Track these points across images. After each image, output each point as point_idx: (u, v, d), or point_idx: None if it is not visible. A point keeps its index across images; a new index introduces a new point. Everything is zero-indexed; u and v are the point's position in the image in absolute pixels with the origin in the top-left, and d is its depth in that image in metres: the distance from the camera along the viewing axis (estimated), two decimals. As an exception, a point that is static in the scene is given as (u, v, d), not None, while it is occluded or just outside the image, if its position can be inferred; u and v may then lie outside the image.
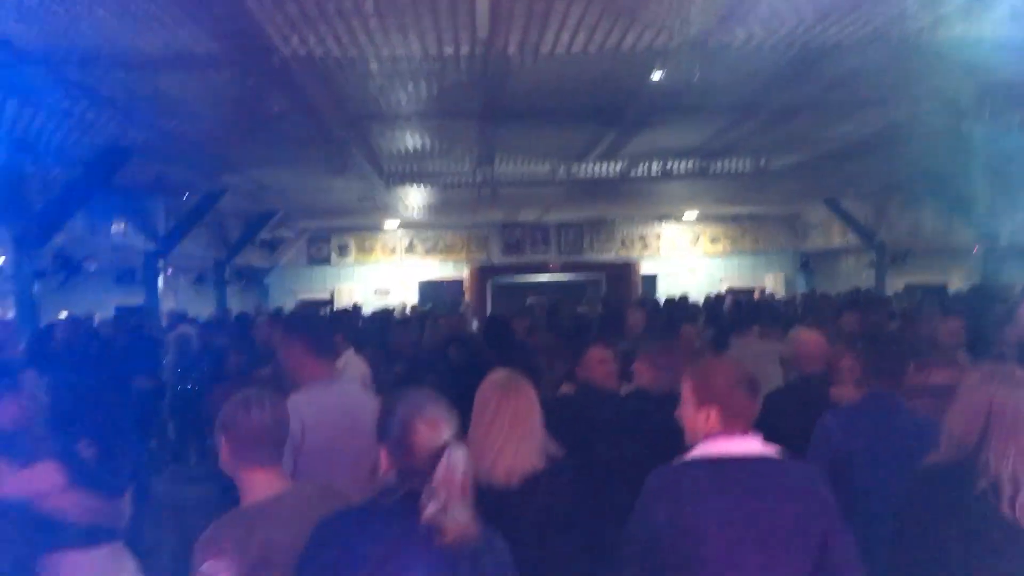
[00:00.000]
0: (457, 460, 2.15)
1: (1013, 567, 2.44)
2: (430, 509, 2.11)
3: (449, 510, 2.12)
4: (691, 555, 2.42)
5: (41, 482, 3.66)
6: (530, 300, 14.28)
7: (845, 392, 4.39)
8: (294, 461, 3.39)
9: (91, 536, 3.73)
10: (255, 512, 2.58)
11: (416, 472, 2.17)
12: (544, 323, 9.41)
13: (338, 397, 3.69)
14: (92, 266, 10.98)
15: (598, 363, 4.65)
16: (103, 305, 15.38)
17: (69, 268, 9.77)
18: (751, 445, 2.57)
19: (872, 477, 3.29)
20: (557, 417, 4.65)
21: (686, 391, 2.69)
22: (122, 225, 11.71)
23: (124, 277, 13.12)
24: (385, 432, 2.25)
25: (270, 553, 2.46)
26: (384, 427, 2.26)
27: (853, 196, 15.14)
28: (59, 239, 9.62)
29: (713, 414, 2.59)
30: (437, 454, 2.16)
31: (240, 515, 2.59)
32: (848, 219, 15.94)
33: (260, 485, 2.62)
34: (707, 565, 2.41)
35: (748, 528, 2.43)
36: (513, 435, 3.10)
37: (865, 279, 15.97)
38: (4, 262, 9.57)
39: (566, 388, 5.00)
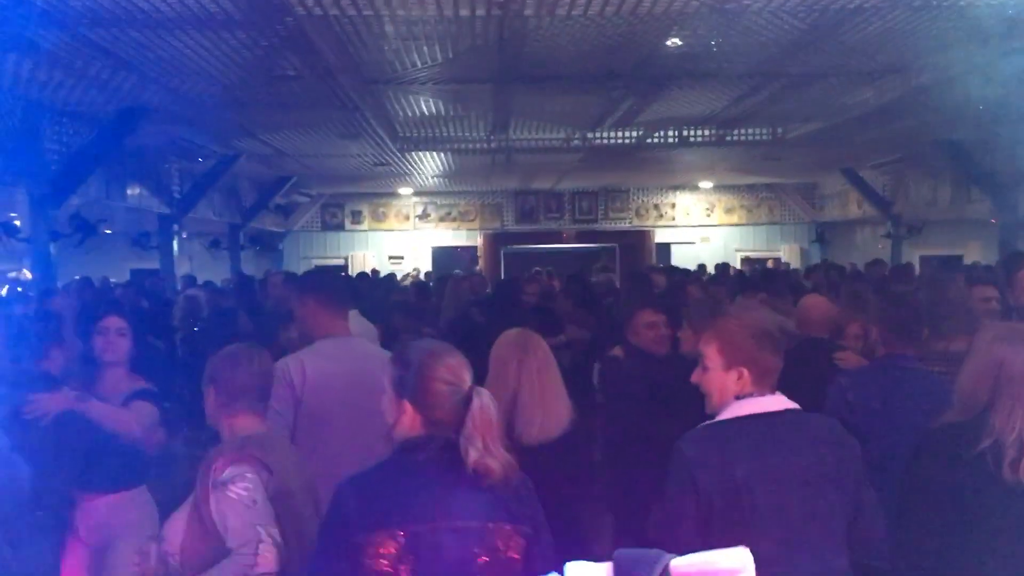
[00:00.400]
0: (487, 403, 2.18)
1: (1008, 529, 2.43)
2: (473, 454, 2.12)
3: (492, 451, 2.14)
4: (744, 514, 2.41)
5: (140, 421, 3.87)
6: (536, 269, 14.31)
7: (849, 358, 4.39)
8: (294, 413, 3.41)
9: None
10: (256, 439, 2.69)
11: (444, 421, 2.18)
12: (563, 290, 9.44)
13: (345, 352, 3.68)
14: (107, 229, 11.04)
15: (646, 327, 4.62)
16: (118, 269, 15.53)
17: (85, 230, 9.81)
18: (779, 401, 2.57)
19: (886, 437, 3.30)
20: (607, 380, 4.72)
21: (711, 353, 2.62)
22: (137, 189, 11.73)
23: (139, 240, 13.19)
24: (404, 386, 2.24)
25: (284, 472, 2.54)
26: (402, 382, 2.25)
27: (870, 166, 15.00)
28: (75, 201, 9.67)
29: (745, 374, 2.56)
30: (464, 401, 2.18)
31: (243, 440, 2.69)
32: (865, 189, 15.80)
33: (243, 427, 2.76)
34: (761, 522, 2.40)
35: (794, 480, 2.45)
36: (544, 391, 3.13)
37: (881, 250, 15.87)
38: (21, 224, 9.63)
39: (617, 351, 4.98)
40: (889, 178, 15.34)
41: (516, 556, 2.16)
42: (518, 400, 3.14)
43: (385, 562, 2.10)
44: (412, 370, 2.24)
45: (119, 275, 14.92)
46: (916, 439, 2.72)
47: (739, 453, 2.45)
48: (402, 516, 2.12)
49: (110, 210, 11.35)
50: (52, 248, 9.08)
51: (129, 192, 11.45)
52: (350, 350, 3.71)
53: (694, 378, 2.68)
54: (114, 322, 4.27)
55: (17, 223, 9.72)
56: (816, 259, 17.97)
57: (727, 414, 2.56)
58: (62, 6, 5.43)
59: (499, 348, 3.26)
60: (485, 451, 2.13)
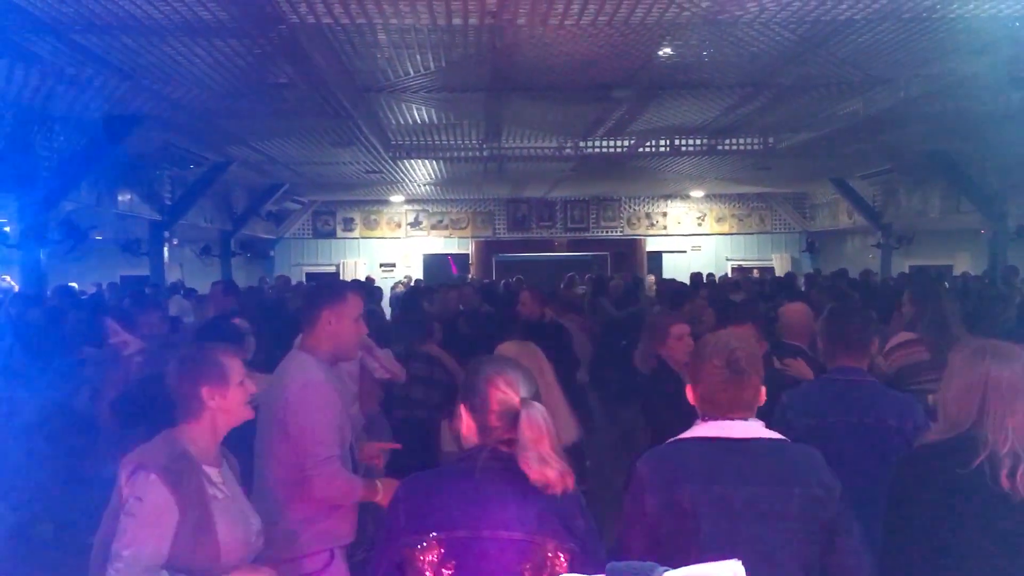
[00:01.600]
0: (535, 415, 2.18)
1: (1011, 541, 2.44)
2: (531, 465, 2.13)
3: (549, 461, 2.14)
4: (688, 540, 2.36)
5: None
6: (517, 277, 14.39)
7: (795, 365, 4.39)
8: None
9: None
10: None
11: (496, 431, 2.21)
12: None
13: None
14: (98, 235, 11.00)
15: (676, 339, 4.58)
16: (109, 275, 15.47)
17: (75, 237, 9.77)
18: (748, 428, 2.46)
19: (833, 455, 3.24)
20: (639, 393, 4.68)
21: (691, 357, 2.63)
22: (128, 195, 11.70)
23: (129, 247, 13.14)
24: (464, 393, 2.29)
25: None
26: (464, 389, 2.31)
27: (860, 176, 15.07)
28: (65, 207, 9.63)
29: (698, 394, 2.51)
30: (513, 413, 2.19)
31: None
32: (855, 199, 15.88)
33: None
34: (706, 551, 2.31)
35: (745, 513, 2.35)
36: (554, 404, 3.14)
37: (871, 260, 15.94)
38: (10, 230, 9.59)
39: (641, 363, 4.95)
40: (879, 188, 15.42)
41: (560, 571, 2.14)
42: None
43: (427, 566, 2.14)
44: (471, 378, 2.29)
45: (109, 281, 14.87)
46: (901, 463, 2.70)
47: (685, 476, 2.38)
48: (447, 522, 2.14)
49: (101, 217, 11.31)
50: (42, 255, 9.04)
51: (120, 198, 11.42)
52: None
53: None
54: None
55: (7, 229, 9.69)
56: (807, 268, 18.03)
57: (688, 433, 2.50)
58: (55, 12, 5.42)
59: None
60: (541, 462, 2.13)
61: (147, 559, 2.40)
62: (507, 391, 2.22)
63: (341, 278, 17.88)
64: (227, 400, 2.65)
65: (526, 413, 2.18)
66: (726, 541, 2.31)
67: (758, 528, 2.35)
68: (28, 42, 6.09)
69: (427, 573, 2.14)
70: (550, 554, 2.13)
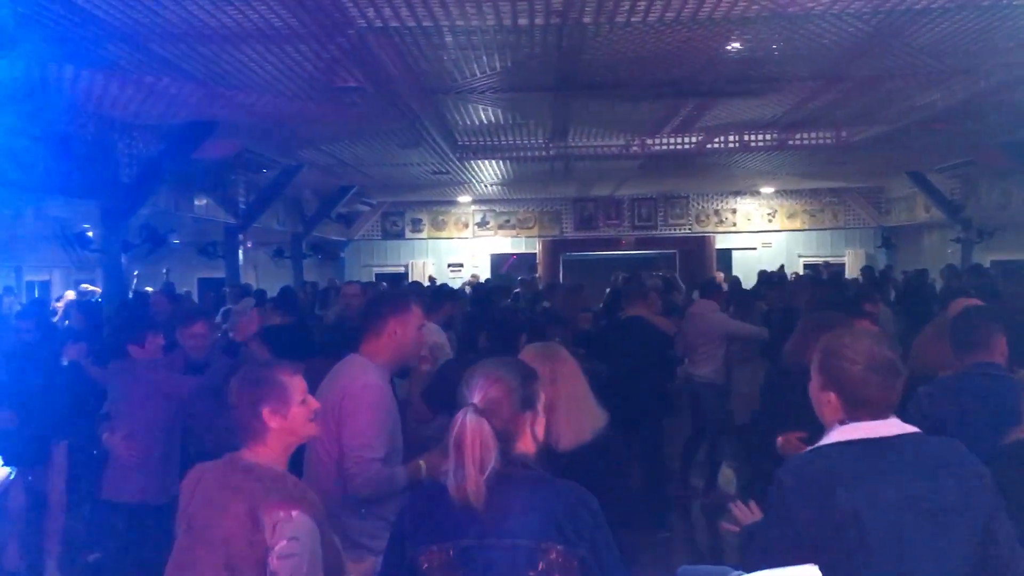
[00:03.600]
0: (462, 423, 2.15)
1: None
2: (450, 476, 2.14)
3: (457, 471, 2.12)
4: (851, 547, 2.21)
5: None
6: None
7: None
8: None
9: None
10: None
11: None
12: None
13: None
14: (176, 239, 11.32)
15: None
16: (186, 278, 15.90)
17: (154, 241, 10.08)
18: (892, 426, 2.33)
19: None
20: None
21: (813, 367, 2.44)
22: (204, 199, 12.01)
23: (206, 250, 13.49)
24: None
25: None
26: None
27: (938, 169, 14.64)
28: (144, 212, 9.93)
29: (833, 399, 2.36)
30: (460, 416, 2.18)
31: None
32: (933, 193, 15.43)
33: None
34: (873, 557, 2.19)
35: (911, 512, 2.22)
36: (566, 404, 3.13)
37: (951, 255, 15.47)
38: (93, 235, 9.93)
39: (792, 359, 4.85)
40: (958, 181, 14.95)
41: None
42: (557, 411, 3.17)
43: (434, 575, 2.14)
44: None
45: (187, 285, 15.28)
46: (989, 460, 2.60)
47: (842, 481, 2.23)
48: (453, 531, 2.14)
49: (178, 221, 11.63)
50: (123, 259, 9.34)
51: (196, 203, 11.72)
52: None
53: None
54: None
55: (90, 235, 10.03)
56: (882, 264, 17.59)
57: (829, 439, 2.35)
58: (132, 22, 5.59)
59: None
60: (455, 470, 2.12)
61: None
62: (464, 393, 2.22)
63: (409, 278, 18.08)
64: (288, 420, 2.56)
65: (459, 421, 2.15)
66: (894, 541, 2.21)
67: (923, 523, 2.23)
68: (107, 52, 6.29)
69: None
70: (558, 560, 2.11)
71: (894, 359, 2.34)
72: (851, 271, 17.43)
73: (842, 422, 2.34)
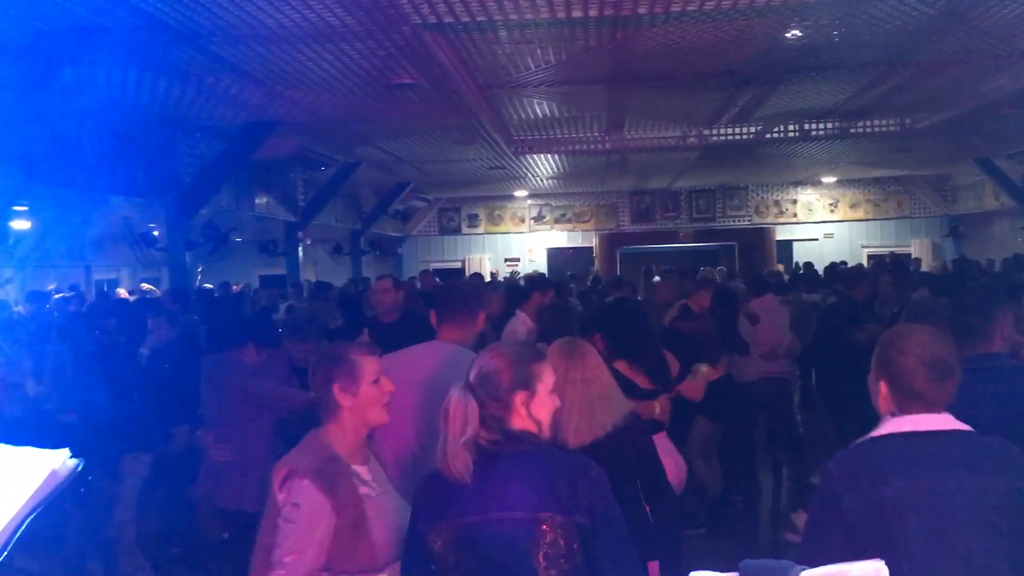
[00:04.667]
0: (448, 397, 2.27)
1: None
2: (437, 453, 2.24)
3: (443, 445, 2.23)
4: (893, 538, 2.22)
5: None
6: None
7: None
8: None
9: None
10: None
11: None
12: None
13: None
14: (237, 237, 11.54)
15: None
16: (248, 276, 16.20)
17: (217, 239, 10.29)
18: (942, 420, 2.34)
19: None
20: None
21: (874, 353, 2.46)
22: (264, 198, 12.21)
23: (266, 248, 13.72)
24: None
25: None
26: None
27: (1007, 155, 14.21)
28: (206, 211, 10.14)
29: (884, 389, 2.38)
30: None
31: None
32: (1002, 179, 14.98)
33: None
34: (914, 549, 2.20)
35: (954, 507, 2.22)
36: (580, 400, 3.13)
37: (1021, 243, 15.02)
38: (158, 235, 10.17)
39: None
40: (1029, 167, 14.50)
41: (573, 546, 2.17)
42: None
43: (443, 552, 2.22)
44: None
45: (249, 281, 15.57)
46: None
47: (888, 471, 2.25)
48: (458, 509, 2.22)
49: (239, 219, 11.85)
50: (187, 257, 9.55)
51: (257, 201, 11.93)
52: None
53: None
54: None
55: (155, 234, 10.28)
56: (950, 255, 17.16)
57: (880, 431, 2.38)
58: (193, 24, 5.70)
59: (548, 355, 3.29)
60: (441, 447, 2.23)
61: (308, 565, 2.42)
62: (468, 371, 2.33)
63: (467, 273, 18.15)
64: (358, 399, 2.58)
65: (449, 395, 2.27)
66: (935, 535, 2.21)
67: (968, 520, 2.22)
68: (169, 54, 6.42)
69: (443, 557, 2.23)
70: (558, 530, 2.16)
71: (947, 357, 2.35)
72: (922, 261, 17.02)
73: (893, 414, 2.36)
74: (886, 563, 2.03)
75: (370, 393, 2.62)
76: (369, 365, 2.64)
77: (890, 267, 10.18)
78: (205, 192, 9.57)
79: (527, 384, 2.31)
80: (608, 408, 3.22)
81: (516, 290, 8.15)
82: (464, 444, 2.20)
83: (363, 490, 2.56)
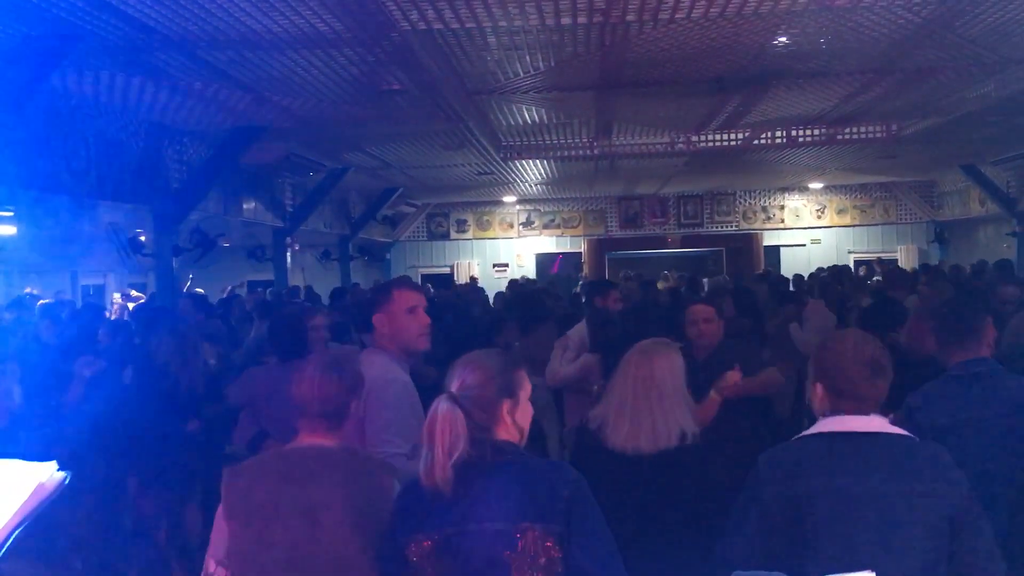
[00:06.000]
0: (434, 410, 2.23)
1: None
2: (420, 462, 2.22)
3: (427, 457, 2.20)
4: (804, 533, 2.33)
5: None
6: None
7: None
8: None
9: None
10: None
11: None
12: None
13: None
14: (225, 243, 11.49)
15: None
16: (235, 281, 16.13)
17: (204, 245, 10.24)
18: (872, 423, 2.42)
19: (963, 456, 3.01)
20: None
21: (811, 360, 2.60)
22: (252, 203, 12.17)
23: (255, 253, 13.68)
24: None
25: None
26: None
27: (993, 162, 14.31)
28: (194, 216, 10.09)
29: (819, 390, 2.49)
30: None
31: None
32: (987, 186, 15.08)
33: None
34: (823, 544, 2.30)
35: (866, 507, 2.31)
36: (641, 404, 3.12)
37: (1007, 249, 15.11)
38: (145, 240, 10.12)
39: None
40: (1013, 174, 14.59)
41: (551, 555, 2.15)
42: (613, 407, 3.17)
43: (420, 563, 2.21)
44: None
45: (235, 285, 15.50)
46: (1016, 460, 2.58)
47: (807, 468, 2.37)
48: (435, 520, 2.20)
49: (227, 225, 11.80)
50: (175, 262, 9.50)
51: (245, 207, 11.89)
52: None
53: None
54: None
55: (142, 239, 10.22)
56: (936, 260, 17.25)
57: (810, 430, 2.49)
58: (182, 31, 5.68)
59: (626, 354, 3.31)
60: (425, 458, 2.20)
61: None
62: (446, 382, 2.30)
63: (455, 279, 18.15)
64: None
65: (433, 408, 2.24)
66: (844, 533, 2.30)
67: (877, 522, 2.29)
68: (158, 60, 6.40)
69: (421, 568, 2.20)
70: (535, 540, 2.14)
71: (879, 357, 2.45)
72: (906, 266, 17.10)
73: (825, 415, 2.46)
74: (797, 556, 2.18)
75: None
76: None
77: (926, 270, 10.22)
78: (193, 197, 9.52)
79: (511, 392, 2.31)
80: (672, 418, 3.17)
81: (528, 298, 8.25)
82: (450, 455, 2.18)
83: None
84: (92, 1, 5.06)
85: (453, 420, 2.20)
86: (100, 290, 15.31)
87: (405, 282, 3.67)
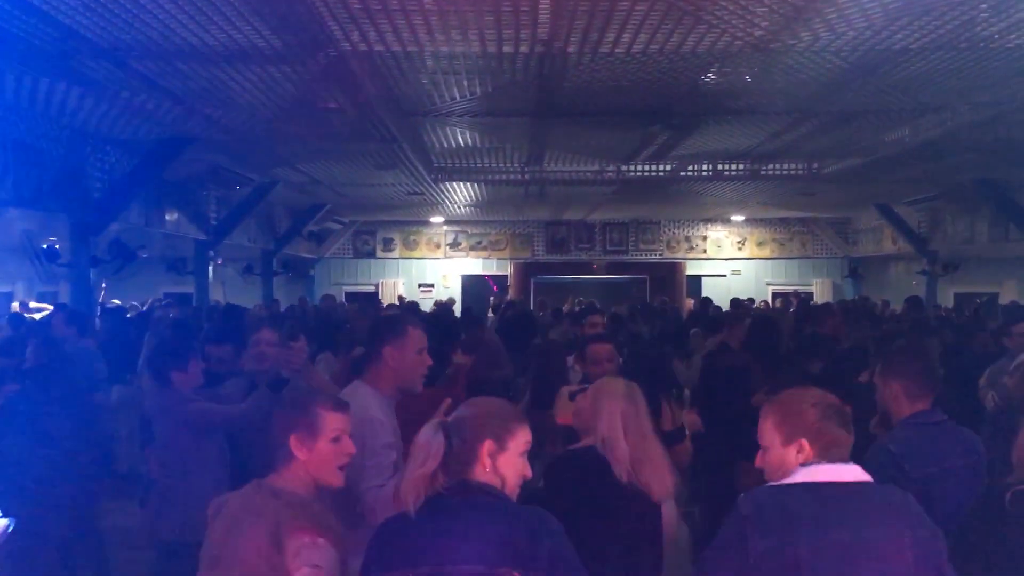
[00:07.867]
0: (422, 432, 2.29)
1: None
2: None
3: (403, 477, 2.27)
4: None
5: None
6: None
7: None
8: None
9: None
10: None
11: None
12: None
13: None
14: (145, 254, 11.16)
15: None
16: (152, 293, 15.69)
17: (124, 256, 9.93)
18: (854, 471, 2.42)
19: (941, 503, 3.02)
20: None
21: (768, 427, 2.51)
22: (175, 215, 11.87)
23: (175, 266, 13.33)
24: None
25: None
26: None
27: (906, 202, 14.88)
28: (115, 227, 9.79)
29: (805, 446, 2.43)
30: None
31: None
32: (900, 225, 15.68)
33: None
34: None
35: (859, 556, 2.27)
36: (656, 447, 3.17)
37: (916, 286, 15.71)
38: (61, 249, 9.76)
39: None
40: (925, 214, 15.21)
41: None
42: (642, 452, 3.18)
43: None
44: None
45: (155, 298, 15.07)
46: (981, 507, 2.66)
47: (803, 523, 2.28)
48: (412, 559, 2.18)
49: (148, 236, 11.48)
50: (92, 274, 9.19)
51: (167, 218, 11.58)
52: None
53: (757, 463, 2.55)
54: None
55: (57, 247, 9.87)
56: (849, 295, 17.81)
57: (794, 479, 2.41)
58: (114, 40, 5.53)
59: (606, 397, 3.29)
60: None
61: None
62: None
63: (380, 297, 17.99)
64: (314, 455, 2.45)
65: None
66: None
67: (874, 570, 2.28)
68: (85, 67, 6.21)
69: None
70: None
71: (845, 408, 2.51)
72: (820, 299, 17.61)
73: (804, 464, 2.42)
74: None
75: (327, 450, 2.48)
76: (331, 421, 2.50)
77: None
78: (114, 208, 9.24)
79: (498, 436, 2.30)
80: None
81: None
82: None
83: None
84: (19, 4, 4.89)
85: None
86: (7, 297, 14.75)
87: (413, 320, 3.60)
